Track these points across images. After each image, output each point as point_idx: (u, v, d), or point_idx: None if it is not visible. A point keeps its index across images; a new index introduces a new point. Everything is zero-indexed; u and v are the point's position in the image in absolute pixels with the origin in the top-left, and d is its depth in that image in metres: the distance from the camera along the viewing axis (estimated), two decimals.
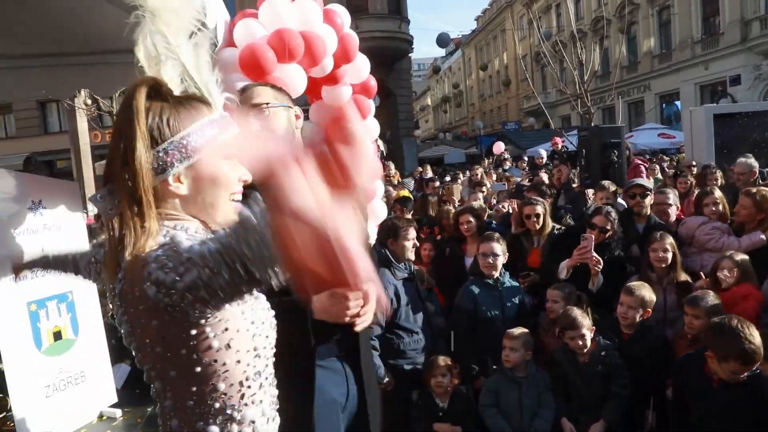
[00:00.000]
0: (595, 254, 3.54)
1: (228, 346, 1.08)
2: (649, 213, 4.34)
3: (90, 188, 9.53)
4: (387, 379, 3.27)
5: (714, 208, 4.23)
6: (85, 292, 3.24)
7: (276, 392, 1.25)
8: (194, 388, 1.09)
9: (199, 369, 1.07)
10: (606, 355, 3.14)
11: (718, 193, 4.35)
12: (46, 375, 3.03)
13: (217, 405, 1.10)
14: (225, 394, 1.10)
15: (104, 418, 3.23)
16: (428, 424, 3.30)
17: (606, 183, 4.88)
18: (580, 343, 3.13)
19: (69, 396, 3.10)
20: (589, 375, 3.13)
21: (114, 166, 1.08)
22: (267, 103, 1.84)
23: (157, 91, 1.12)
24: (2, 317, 2.83)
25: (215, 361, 1.07)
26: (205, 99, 1.18)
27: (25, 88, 3.73)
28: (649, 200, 4.35)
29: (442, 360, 3.34)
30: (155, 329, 1.04)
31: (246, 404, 1.13)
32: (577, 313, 3.21)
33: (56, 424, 2.99)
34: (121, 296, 1.06)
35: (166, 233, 1.06)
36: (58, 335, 3.12)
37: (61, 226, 3.10)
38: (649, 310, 3.29)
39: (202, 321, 1.03)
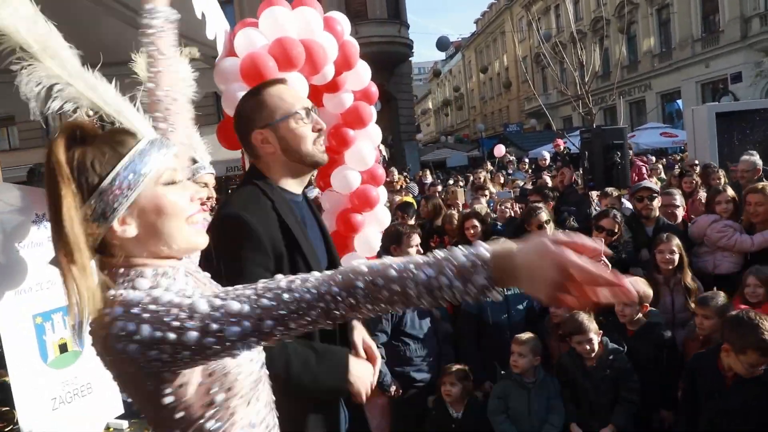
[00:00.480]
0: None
1: (181, 400, 1.05)
2: (657, 215, 4.33)
3: None
4: (394, 387, 3.25)
5: (726, 206, 4.22)
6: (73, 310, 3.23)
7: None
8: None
9: (153, 415, 1.09)
10: (614, 359, 3.12)
11: (730, 191, 4.34)
12: (53, 387, 3.02)
13: None
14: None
15: (111, 429, 3.22)
16: None
17: (609, 190, 4.88)
18: (588, 347, 3.11)
19: (75, 408, 3.09)
20: (597, 379, 3.11)
21: (54, 225, 1.02)
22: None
23: (77, 136, 1.05)
24: (8, 330, 2.83)
25: (168, 414, 1.05)
26: (128, 130, 1.11)
27: (24, 100, 3.74)
28: (657, 203, 4.34)
29: (454, 368, 3.32)
30: (120, 380, 1.04)
31: None
32: (583, 317, 3.18)
33: None
34: (100, 357, 1.02)
35: (124, 282, 1.03)
36: (63, 347, 3.11)
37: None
38: (646, 304, 3.28)
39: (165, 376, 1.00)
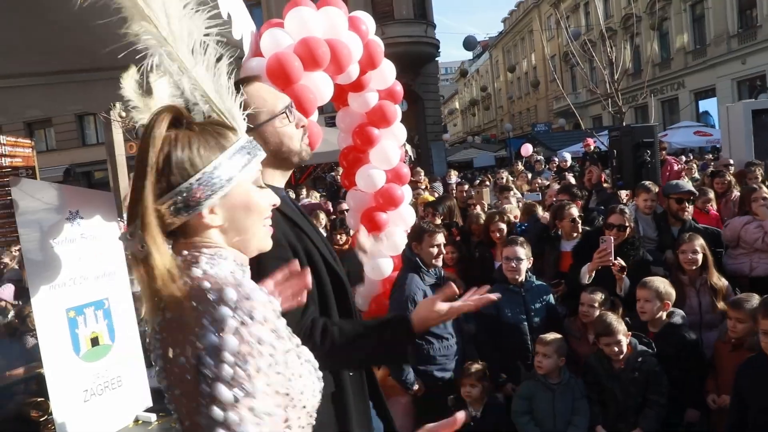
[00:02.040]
0: (620, 260, 3.46)
1: None
2: (684, 217, 4.24)
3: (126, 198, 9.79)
4: (417, 386, 3.25)
5: (764, 201, 4.10)
6: (120, 298, 3.32)
7: None
8: None
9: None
10: (643, 361, 3.06)
11: (765, 190, 4.22)
12: (85, 380, 3.11)
13: None
14: None
15: (140, 422, 3.30)
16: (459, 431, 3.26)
17: (649, 184, 4.69)
18: (616, 349, 3.05)
19: (106, 400, 3.17)
20: (625, 381, 3.05)
21: (137, 200, 1.01)
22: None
23: (180, 120, 1.07)
24: (43, 324, 2.93)
25: None
26: (229, 125, 1.13)
27: (60, 102, 3.86)
28: (688, 203, 4.24)
29: (474, 367, 3.30)
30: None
31: None
32: (612, 318, 3.14)
33: (94, 428, 3.07)
34: (168, 329, 1.00)
35: (204, 265, 1.02)
36: (95, 341, 3.20)
37: (97, 235, 3.19)
38: (668, 302, 3.21)
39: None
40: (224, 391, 0.90)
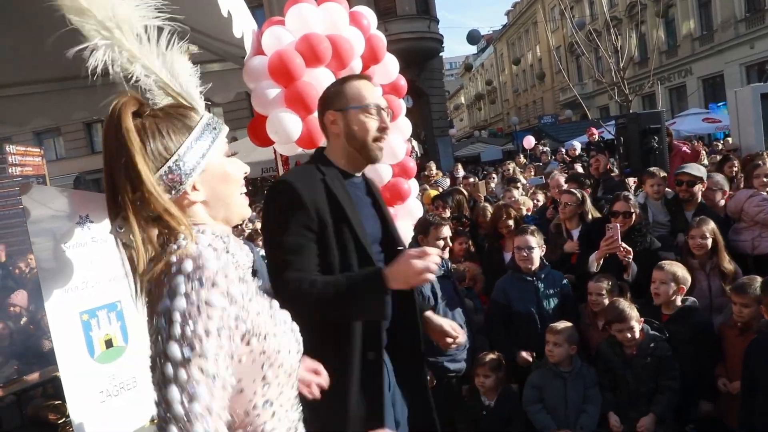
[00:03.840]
0: (624, 244, 3.44)
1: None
2: (699, 201, 4.19)
3: None
4: (428, 377, 3.25)
5: (765, 180, 4.06)
6: (132, 299, 3.35)
7: (297, 416, 1.23)
8: None
9: None
10: (655, 347, 3.04)
11: None
12: (100, 381, 3.15)
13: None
14: (232, 421, 1.08)
15: (155, 421, 3.33)
16: (474, 422, 3.27)
17: (655, 169, 4.67)
18: (629, 335, 3.04)
19: (122, 401, 3.21)
20: (637, 368, 3.04)
21: (120, 193, 1.05)
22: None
23: (142, 107, 1.11)
24: (57, 327, 2.97)
25: None
26: (190, 105, 1.18)
27: (66, 109, 3.90)
28: (698, 188, 4.20)
29: (488, 357, 3.30)
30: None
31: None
32: (624, 305, 3.12)
33: (111, 429, 3.11)
34: (148, 306, 1.08)
35: (181, 240, 1.07)
36: (109, 343, 3.24)
37: (107, 239, 3.21)
38: (683, 286, 3.20)
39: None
40: (175, 349, 0.96)
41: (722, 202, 4.32)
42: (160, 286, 1.03)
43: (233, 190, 1.18)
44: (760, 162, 4.26)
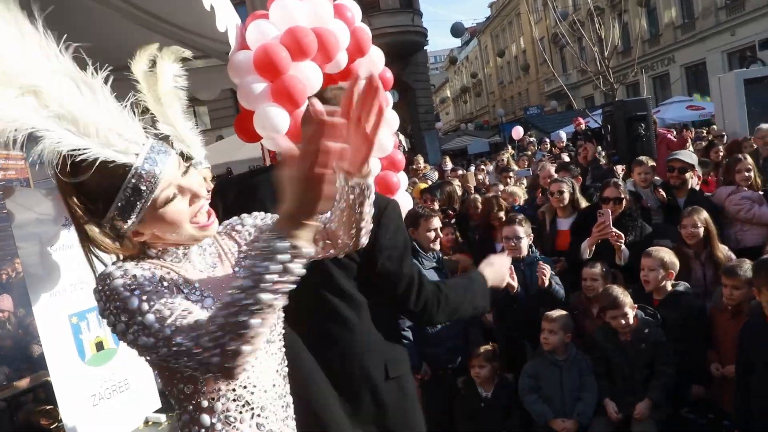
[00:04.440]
0: (615, 229, 3.46)
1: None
2: (690, 187, 4.23)
3: None
4: (423, 369, 3.26)
5: (747, 175, 4.09)
6: None
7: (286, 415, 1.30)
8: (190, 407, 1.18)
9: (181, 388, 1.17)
10: (649, 333, 3.06)
11: (749, 160, 4.20)
12: (92, 385, 3.11)
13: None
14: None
15: (150, 423, 3.31)
16: (471, 413, 3.28)
17: (643, 158, 4.71)
18: (623, 322, 3.05)
19: (115, 404, 3.18)
20: (632, 354, 3.05)
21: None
22: None
23: (73, 168, 1.10)
24: (46, 331, 2.92)
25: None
26: (115, 160, 1.09)
27: None
28: (689, 175, 4.23)
29: (483, 348, 3.31)
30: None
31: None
32: (618, 291, 3.14)
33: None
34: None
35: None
36: (100, 345, 3.20)
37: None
38: (672, 271, 3.23)
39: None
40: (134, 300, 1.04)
41: (697, 188, 4.37)
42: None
43: (173, 229, 1.16)
44: (741, 156, 4.27)
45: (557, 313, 3.21)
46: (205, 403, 1.17)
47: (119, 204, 1.09)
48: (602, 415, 3.07)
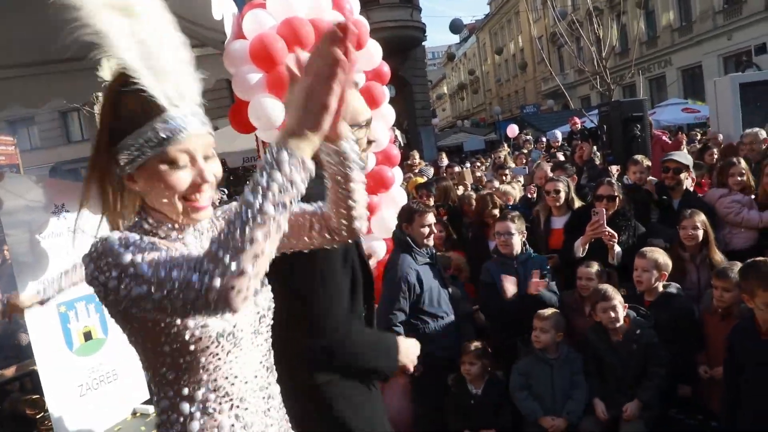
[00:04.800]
0: (609, 228, 3.46)
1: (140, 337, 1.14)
2: (685, 189, 4.23)
3: None
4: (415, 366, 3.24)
5: (739, 179, 4.10)
6: None
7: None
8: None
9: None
10: (642, 334, 3.05)
11: (743, 164, 4.21)
12: (79, 375, 3.08)
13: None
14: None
15: (138, 414, 3.28)
16: (461, 410, 3.27)
17: (639, 157, 4.72)
18: (612, 315, 3.05)
19: (102, 394, 3.15)
20: (624, 354, 3.05)
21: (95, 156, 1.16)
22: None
23: (126, 82, 1.08)
24: (34, 320, 2.89)
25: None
26: (159, 103, 1.10)
27: (41, 95, 3.77)
28: (684, 176, 4.23)
29: (473, 345, 3.30)
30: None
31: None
32: (608, 287, 3.17)
33: (91, 423, 3.05)
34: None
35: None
36: (88, 335, 3.17)
37: (84, 229, 3.13)
38: (665, 273, 3.23)
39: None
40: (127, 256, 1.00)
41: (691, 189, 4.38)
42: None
43: (169, 196, 1.13)
44: (735, 160, 4.28)
45: (549, 311, 3.21)
46: (185, 391, 1.16)
47: (138, 139, 1.09)
48: (591, 415, 3.07)
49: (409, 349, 1.91)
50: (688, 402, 3.15)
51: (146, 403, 3.35)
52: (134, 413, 3.31)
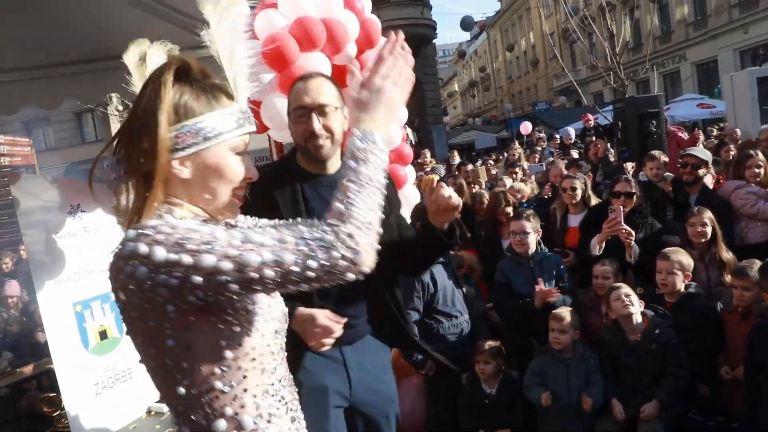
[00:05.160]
0: (626, 226, 3.41)
1: (186, 348, 1.03)
2: (703, 184, 4.17)
3: None
4: (428, 365, 3.24)
5: (757, 171, 4.03)
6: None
7: (272, 404, 1.15)
8: (161, 388, 1.10)
9: (154, 364, 1.08)
10: (661, 333, 3.01)
11: (761, 156, 4.14)
12: (95, 373, 3.10)
13: (181, 409, 1.08)
14: (191, 396, 1.06)
15: (152, 413, 3.30)
16: (475, 410, 3.26)
17: (656, 153, 4.66)
18: (626, 301, 3.01)
19: (118, 393, 3.17)
20: (642, 353, 3.01)
21: (131, 135, 1.08)
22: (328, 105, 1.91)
23: (185, 72, 1.11)
24: (50, 319, 2.92)
25: (172, 362, 1.04)
26: (228, 90, 1.14)
27: (56, 96, 3.81)
28: (702, 171, 4.17)
29: (488, 344, 3.28)
30: (125, 311, 1.05)
31: (215, 415, 1.07)
32: (622, 284, 3.15)
33: (107, 421, 3.07)
34: (112, 285, 1.05)
35: (160, 216, 1.06)
36: (103, 334, 3.19)
37: (99, 228, 3.16)
38: (689, 273, 3.19)
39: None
40: (202, 261, 0.95)
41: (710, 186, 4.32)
42: (115, 266, 1.01)
43: (222, 186, 1.12)
44: (752, 152, 4.20)
45: (565, 311, 3.18)
46: (246, 401, 1.08)
47: (206, 123, 1.08)
48: (609, 415, 3.03)
49: (302, 321, 1.74)
50: (708, 403, 3.10)
51: (161, 401, 3.37)
52: (149, 411, 3.32)
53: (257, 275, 0.95)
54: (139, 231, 0.98)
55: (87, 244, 3.02)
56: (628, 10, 22.71)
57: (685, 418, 3.00)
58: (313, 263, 0.96)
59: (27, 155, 8.03)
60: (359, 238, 0.98)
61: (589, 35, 14.07)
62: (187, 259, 0.94)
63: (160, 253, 0.95)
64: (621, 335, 3.09)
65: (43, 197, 3.04)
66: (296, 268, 0.96)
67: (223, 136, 1.09)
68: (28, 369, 3.78)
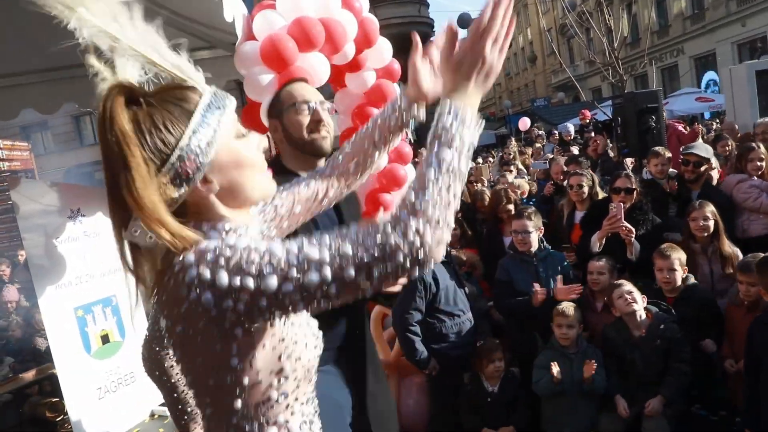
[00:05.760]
0: (626, 223, 3.40)
1: (250, 365, 1.00)
2: (704, 181, 4.16)
3: None
4: (431, 364, 3.23)
5: (758, 164, 4.02)
6: (128, 294, 3.30)
7: (311, 410, 1.16)
8: (213, 404, 1.06)
9: (213, 382, 1.02)
10: (665, 329, 3.00)
11: (762, 149, 4.13)
12: (98, 377, 3.10)
13: (235, 421, 1.04)
14: (246, 412, 1.04)
15: (156, 416, 3.30)
16: (477, 408, 3.25)
17: (659, 149, 4.65)
18: (629, 299, 3.00)
19: (120, 397, 3.17)
20: (646, 350, 3.00)
21: (127, 197, 0.93)
22: (325, 103, 1.99)
23: (133, 96, 0.97)
24: (52, 324, 2.91)
25: (234, 379, 1.01)
26: (187, 85, 1.02)
27: (55, 100, 3.80)
28: (704, 168, 4.16)
29: (489, 342, 3.28)
30: (186, 337, 0.99)
31: (267, 423, 1.06)
32: (623, 281, 3.15)
33: (110, 425, 3.06)
34: (167, 311, 1.00)
35: (220, 235, 1.01)
36: (105, 338, 3.18)
37: (100, 233, 3.15)
38: (686, 267, 3.20)
39: (238, 333, 0.96)
40: (267, 284, 0.91)
41: (714, 182, 4.30)
42: (175, 293, 0.95)
43: (250, 173, 1.05)
44: (754, 145, 4.19)
45: (569, 307, 3.18)
46: (296, 408, 1.09)
47: (198, 127, 0.96)
48: (612, 412, 3.03)
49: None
50: (712, 398, 3.09)
51: (164, 404, 3.37)
52: (152, 415, 3.32)
53: (320, 293, 0.92)
54: (199, 255, 0.92)
55: (88, 248, 3.02)
56: (625, 4, 22.70)
57: (688, 413, 3.00)
58: (376, 272, 0.91)
59: (26, 159, 8.03)
60: (427, 236, 0.92)
61: (587, 30, 14.05)
62: (251, 283, 0.90)
63: (224, 279, 0.90)
64: (625, 332, 3.08)
65: (43, 201, 3.03)
66: (359, 280, 0.91)
67: (218, 131, 0.99)
68: (30, 374, 3.77)
